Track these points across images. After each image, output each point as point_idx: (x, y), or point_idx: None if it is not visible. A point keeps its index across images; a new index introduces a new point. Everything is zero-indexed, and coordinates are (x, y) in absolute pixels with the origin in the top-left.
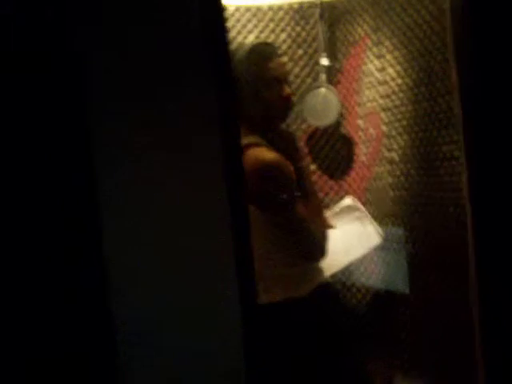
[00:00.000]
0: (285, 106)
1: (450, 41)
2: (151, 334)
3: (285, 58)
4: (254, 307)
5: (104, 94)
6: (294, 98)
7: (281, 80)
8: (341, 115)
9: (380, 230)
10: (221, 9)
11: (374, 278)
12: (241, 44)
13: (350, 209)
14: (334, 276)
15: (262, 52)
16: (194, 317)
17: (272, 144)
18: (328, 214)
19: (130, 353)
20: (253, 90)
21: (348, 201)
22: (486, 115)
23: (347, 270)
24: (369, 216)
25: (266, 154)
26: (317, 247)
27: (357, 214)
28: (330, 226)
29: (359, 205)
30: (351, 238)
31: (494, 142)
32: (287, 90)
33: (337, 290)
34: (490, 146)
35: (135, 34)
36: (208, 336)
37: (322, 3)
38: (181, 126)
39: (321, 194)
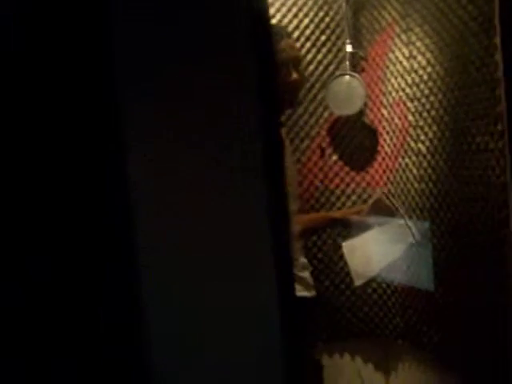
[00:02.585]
0: (290, 91)
1: (497, 26)
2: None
3: (307, 44)
4: (292, 306)
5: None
6: (304, 84)
7: (287, 63)
8: (365, 104)
9: (414, 226)
10: None
11: (399, 273)
12: None
13: (380, 204)
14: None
15: (284, 33)
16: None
17: None
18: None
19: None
20: None
21: (378, 193)
22: None
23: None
24: (402, 211)
25: None
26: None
27: (389, 210)
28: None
29: (392, 200)
30: (385, 240)
31: None
32: (294, 74)
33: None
34: None
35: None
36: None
37: None
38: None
39: (342, 185)
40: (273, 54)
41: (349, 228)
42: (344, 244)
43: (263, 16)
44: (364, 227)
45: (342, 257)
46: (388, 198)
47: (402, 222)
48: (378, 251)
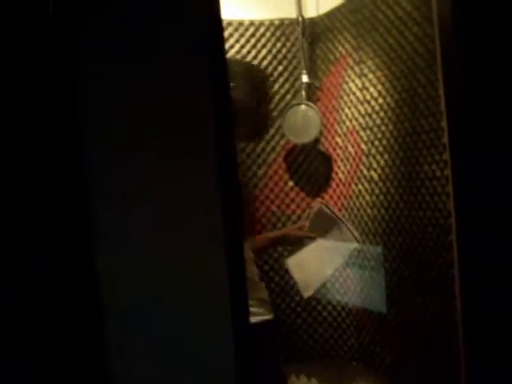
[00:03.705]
0: (262, 123)
1: (438, 62)
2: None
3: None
4: (245, 323)
5: (99, 101)
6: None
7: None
8: (320, 133)
9: (355, 232)
10: (221, 24)
11: (352, 297)
12: (237, 61)
13: (321, 215)
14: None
15: (264, 73)
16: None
17: None
18: (301, 225)
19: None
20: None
21: (319, 206)
22: (474, 134)
23: (326, 289)
24: (342, 219)
25: None
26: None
27: (330, 219)
28: (311, 236)
29: (332, 208)
30: (330, 248)
31: (481, 162)
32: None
33: None
34: (476, 166)
35: (134, 43)
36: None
37: (303, 20)
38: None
39: (298, 211)
40: (229, 94)
41: (294, 244)
42: (288, 260)
43: (221, 58)
44: (307, 241)
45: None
46: (328, 207)
47: (342, 229)
48: (322, 260)
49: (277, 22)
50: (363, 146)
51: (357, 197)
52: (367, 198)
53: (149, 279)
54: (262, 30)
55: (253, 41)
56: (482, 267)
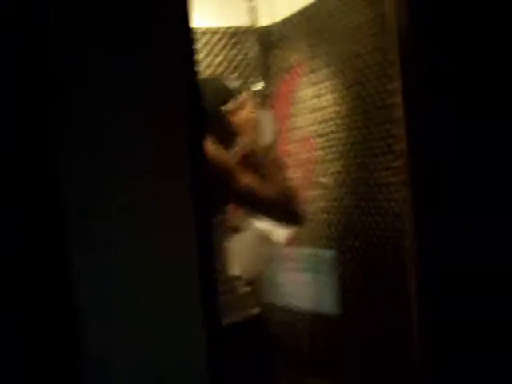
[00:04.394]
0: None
1: (396, 69)
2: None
3: None
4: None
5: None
6: None
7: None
8: (274, 139)
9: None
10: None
11: (305, 300)
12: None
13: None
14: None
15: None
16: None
17: None
18: None
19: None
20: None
21: None
22: (433, 140)
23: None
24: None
25: None
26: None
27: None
28: None
29: None
30: (256, 243)
31: (441, 171)
32: None
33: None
34: (434, 170)
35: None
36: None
37: (257, 28)
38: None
39: None
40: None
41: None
42: None
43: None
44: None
45: None
46: None
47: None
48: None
49: (231, 30)
50: (318, 152)
51: (312, 203)
52: (321, 203)
53: (123, 283)
54: (216, 37)
55: (206, 49)
56: (440, 272)
